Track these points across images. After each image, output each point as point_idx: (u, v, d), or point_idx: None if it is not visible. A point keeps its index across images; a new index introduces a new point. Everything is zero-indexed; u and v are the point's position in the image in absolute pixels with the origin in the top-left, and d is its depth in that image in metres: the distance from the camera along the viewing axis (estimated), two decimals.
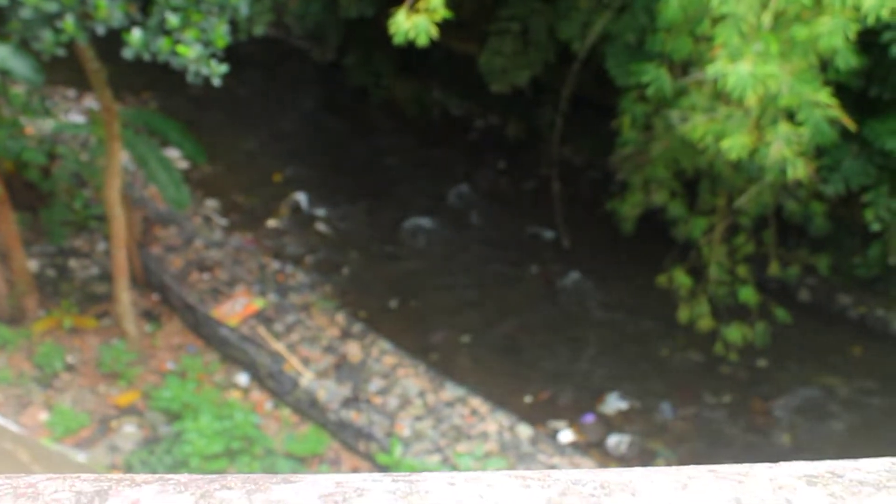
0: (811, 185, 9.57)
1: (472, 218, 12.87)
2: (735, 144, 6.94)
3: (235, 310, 10.67)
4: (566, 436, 9.84)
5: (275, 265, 11.56)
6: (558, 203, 11.33)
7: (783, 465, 1.19)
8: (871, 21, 6.37)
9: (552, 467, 8.93)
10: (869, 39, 8.72)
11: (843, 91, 9.31)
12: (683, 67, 8.48)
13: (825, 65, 7.25)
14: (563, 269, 11.79)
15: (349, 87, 15.32)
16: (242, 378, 10.28)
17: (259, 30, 10.48)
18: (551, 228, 12.10)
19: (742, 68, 6.62)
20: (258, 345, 10.29)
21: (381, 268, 12.06)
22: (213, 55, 8.02)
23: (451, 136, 14.59)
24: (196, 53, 7.92)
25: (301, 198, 13.09)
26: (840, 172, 10.24)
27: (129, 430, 9.51)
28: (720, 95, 7.40)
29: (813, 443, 9.84)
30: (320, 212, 12.95)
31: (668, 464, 9.65)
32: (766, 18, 6.73)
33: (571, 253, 11.90)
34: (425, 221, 12.68)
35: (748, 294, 9.63)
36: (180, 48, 7.96)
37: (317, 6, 14.51)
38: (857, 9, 6.42)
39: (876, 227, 10.45)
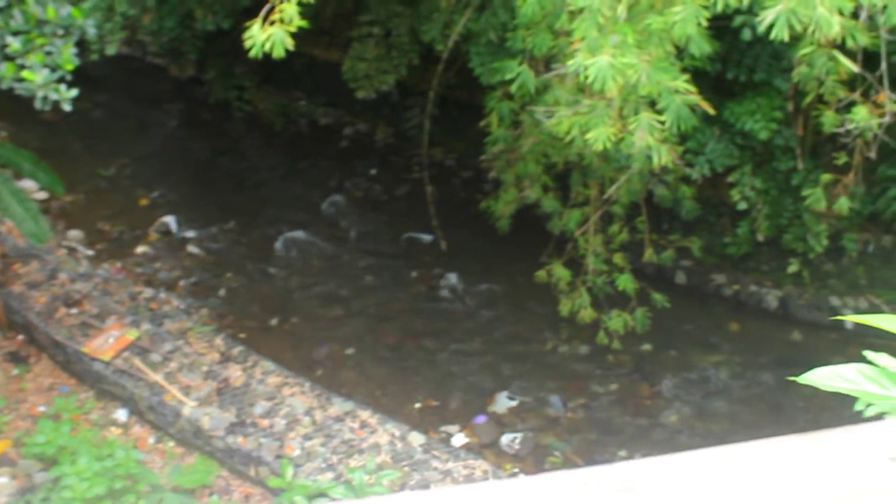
0: (678, 169, 9.75)
1: (348, 227, 12.69)
2: (600, 136, 6.98)
3: (108, 343, 10.22)
4: (459, 439, 9.77)
5: (147, 293, 11.13)
6: (432, 205, 11.26)
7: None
8: (720, 8, 6.47)
9: (447, 472, 8.84)
10: (722, 24, 8.92)
11: (701, 76, 9.51)
12: (546, 63, 8.49)
13: (681, 52, 7.35)
14: (442, 272, 11.73)
15: (211, 102, 14.91)
16: (121, 414, 9.85)
17: (111, 49, 10.06)
18: (428, 232, 12.02)
19: (601, 60, 6.64)
20: (135, 377, 9.87)
21: (258, 286, 11.75)
22: (62, 79, 7.65)
23: (320, 145, 14.37)
24: (43, 78, 7.54)
25: (170, 221, 12.66)
26: (705, 155, 10.49)
27: (2, 482, 8.98)
28: (583, 88, 7.42)
29: (700, 420, 10.04)
30: (191, 234, 12.55)
31: (563, 456, 9.70)
32: (621, 10, 6.76)
33: (450, 255, 11.85)
34: (300, 234, 12.43)
35: (626, 281, 9.75)
36: (25, 73, 7.55)
37: (171, 21, 14.05)
38: None
39: (742, 205, 10.75)
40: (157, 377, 9.87)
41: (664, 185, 10.25)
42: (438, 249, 11.91)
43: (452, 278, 11.60)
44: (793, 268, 11.14)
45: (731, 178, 10.71)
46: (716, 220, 11.47)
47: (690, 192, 10.33)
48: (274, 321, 11.20)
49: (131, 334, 10.36)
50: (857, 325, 11.56)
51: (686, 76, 7.37)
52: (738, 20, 8.70)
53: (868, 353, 2.44)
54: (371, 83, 12.22)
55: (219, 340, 10.45)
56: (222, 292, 11.61)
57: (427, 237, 12.20)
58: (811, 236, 10.69)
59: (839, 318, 2.12)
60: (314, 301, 11.49)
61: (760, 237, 10.97)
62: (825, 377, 2.08)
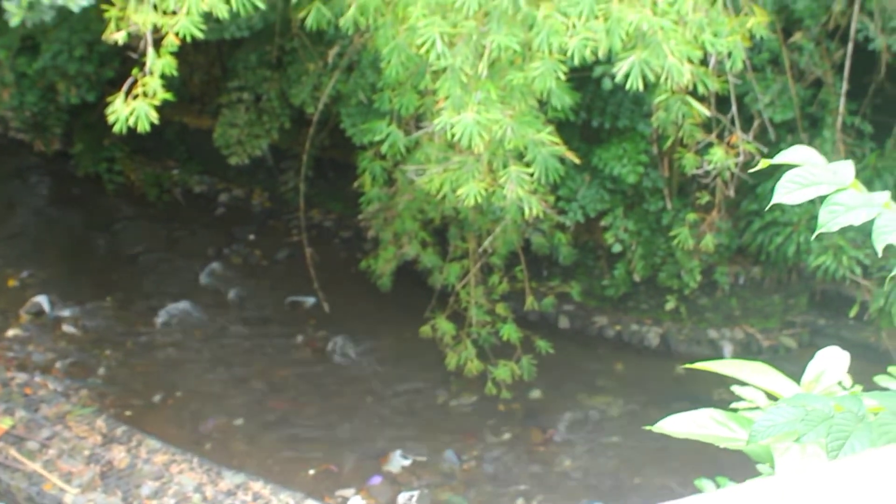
0: (552, 217, 9.98)
1: (229, 296, 12.50)
2: (471, 191, 7.11)
3: None
4: (356, 502, 9.65)
5: (20, 378, 10.70)
6: (313, 268, 11.21)
7: None
8: (577, 62, 6.71)
9: None
10: (584, 75, 9.24)
11: (567, 126, 9.81)
12: (415, 121, 8.62)
13: (544, 105, 7.57)
14: (328, 335, 11.65)
15: (80, 176, 14.55)
16: None
17: None
18: (311, 294, 11.94)
19: (467, 117, 6.79)
20: (11, 468, 9.43)
21: (139, 362, 11.43)
22: None
23: (196, 214, 14.17)
24: None
25: (42, 300, 12.22)
26: (577, 202, 10.78)
27: None
28: (452, 145, 7.56)
29: (593, 461, 10.17)
30: (66, 312, 12.14)
31: None
32: (483, 68, 6.94)
33: (334, 317, 11.79)
34: (181, 306, 12.18)
35: (510, 331, 9.87)
36: None
37: (33, 96, 13.69)
38: (563, 51, 6.74)
39: (617, 248, 11.06)
40: (36, 466, 9.45)
41: (540, 233, 10.46)
42: (322, 312, 11.84)
43: (338, 340, 11.53)
44: (670, 304, 11.47)
45: (604, 222, 11.02)
46: (594, 263, 11.74)
47: (566, 239, 10.58)
48: (158, 397, 10.90)
49: (5, 423, 9.92)
50: (734, 352, 11.86)
51: (551, 127, 7.59)
52: (598, 70, 9.04)
53: (735, 388, 2.54)
54: (244, 149, 12.17)
55: (100, 422, 10.10)
56: (102, 371, 11.25)
57: (310, 300, 12.12)
58: (685, 273, 11.04)
59: (688, 366, 2.20)
60: (199, 373, 11.24)
61: (637, 277, 11.28)
62: (677, 424, 2.15)
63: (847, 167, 1.65)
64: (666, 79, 7.00)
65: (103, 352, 11.53)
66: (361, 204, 10.18)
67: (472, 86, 7.01)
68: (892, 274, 1.82)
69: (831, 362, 1.91)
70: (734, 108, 8.84)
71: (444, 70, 7.04)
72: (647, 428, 2.19)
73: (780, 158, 1.76)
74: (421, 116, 8.27)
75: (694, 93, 7.91)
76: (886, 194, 1.64)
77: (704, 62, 7.92)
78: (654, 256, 11.11)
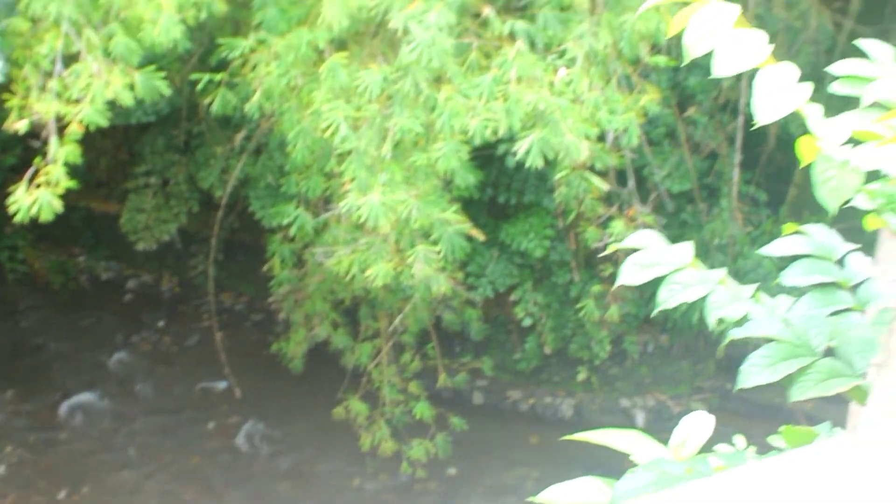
0: (462, 294, 10.08)
1: (138, 384, 12.22)
2: (379, 272, 7.18)
3: None
4: None
5: None
6: (224, 353, 11.07)
7: None
8: (478, 142, 6.90)
9: None
10: (489, 153, 9.46)
11: (474, 203, 9.99)
12: (323, 203, 8.69)
13: (449, 184, 7.72)
14: (241, 420, 11.45)
15: None
16: None
17: None
18: (222, 380, 11.76)
19: (372, 199, 6.90)
20: None
21: (43, 457, 11.05)
22: None
23: (103, 301, 13.87)
24: None
25: None
26: (486, 277, 10.92)
27: None
28: (359, 226, 7.63)
29: None
30: None
31: None
32: (387, 149, 7.08)
33: (246, 401, 11.61)
34: (87, 397, 11.85)
35: (423, 409, 9.87)
36: None
37: None
38: (465, 132, 6.92)
39: (528, 321, 11.21)
40: None
41: (451, 309, 10.55)
42: (234, 397, 11.66)
43: (250, 425, 11.34)
44: (582, 375, 11.62)
45: (514, 297, 11.17)
46: (505, 337, 11.86)
47: (477, 314, 10.68)
48: (63, 494, 10.53)
49: None
50: (646, 419, 12.05)
51: (457, 206, 7.74)
52: (502, 149, 9.26)
53: (633, 457, 2.61)
54: (151, 234, 12.04)
55: None
56: (2, 469, 10.84)
57: (222, 385, 11.92)
58: (595, 343, 11.21)
59: (566, 437, 2.27)
60: (106, 466, 10.91)
61: (548, 350, 11.42)
62: (559, 494, 2.22)
63: (686, 248, 1.78)
64: (565, 156, 7.23)
65: (4, 448, 11.12)
66: (272, 286, 10.14)
67: (377, 167, 7.13)
68: (725, 343, 1.92)
69: (696, 427, 2.01)
70: (633, 182, 9.14)
71: (349, 153, 7.15)
72: (531, 499, 2.24)
73: (626, 243, 1.87)
74: (328, 198, 8.34)
75: (593, 168, 8.17)
76: (723, 271, 1.77)
77: (602, 138, 8.20)
78: (564, 328, 11.28)
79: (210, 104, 7.88)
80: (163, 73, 7.16)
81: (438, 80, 7.18)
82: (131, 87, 6.89)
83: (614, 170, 9.09)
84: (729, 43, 1.40)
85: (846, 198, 1.57)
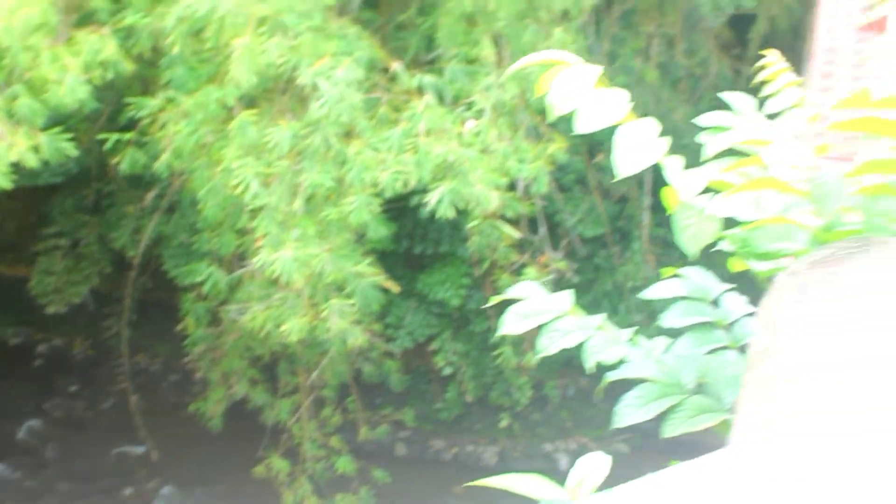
0: (380, 345, 10.08)
1: (50, 453, 11.85)
2: (294, 326, 7.15)
3: None
4: None
5: None
6: (139, 415, 10.84)
7: None
8: (389, 195, 6.97)
9: None
10: (404, 205, 9.52)
11: (390, 255, 10.03)
12: (237, 260, 8.63)
13: (362, 237, 7.76)
14: (158, 485, 11.19)
15: None
16: None
17: None
18: (139, 443, 11.49)
19: (285, 254, 6.90)
20: None
21: None
22: None
23: (12, 367, 13.47)
24: None
25: None
26: (405, 328, 10.95)
27: None
28: (273, 282, 7.60)
29: None
30: None
31: None
32: (298, 204, 7.10)
33: (164, 464, 11.36)
34: None
35: (345, 463, 9.80)
36: None
37: None
38: (375, 185, 6.99)
39: (448, 370, 11.25)
40: None
41: (370, 362, 10.53)
42: (151, 461, 11.39)
43: (167, 490, 11.09)
44: (504, 422, 11.67)
45: (433, 346, 11.21)
46: (426, 387, 11.87)
47: (396, 366, 10.68)
48: None
49: None
50: (570, 463, 12.21)
51: (370, 258, 7.77)
52: (415, 200, 9.33)
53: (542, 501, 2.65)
54: (62, 296, 11.78)
55: None
56: None
57: (139, 449, 11.64)
58: (515, 390, 11.29)
59: (468, 484, 2.30)
60: None
61: (469, 398, 11.45)
62: None
63: (566, 297, 1.86)
64: (476, 205, 7.35)
65: None
66: (187, 345, 9.99)
67: (289, 223, 7.14)
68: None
69: (593, 467, 2.06)
70: (545, 228, 9.31)
71: (261, 209, 7.15)
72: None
73: (508, 294, 1.94)
74: (242, 255, 8.29)
75: (505, 216, 8.30)
76: (602, 317, 1.85)
77: (512, 187, 8.35)
78: (484, 376, 11.34)
79: (119, 164, 7.81)
80: (70, 134, 7.09)
81: (348, 134, 7.26)
82: (36, 148, 6.80)
83: (526, 217, 9.25)
84: (590, 102, 1.49)
85: (705, 243, 1.66)
